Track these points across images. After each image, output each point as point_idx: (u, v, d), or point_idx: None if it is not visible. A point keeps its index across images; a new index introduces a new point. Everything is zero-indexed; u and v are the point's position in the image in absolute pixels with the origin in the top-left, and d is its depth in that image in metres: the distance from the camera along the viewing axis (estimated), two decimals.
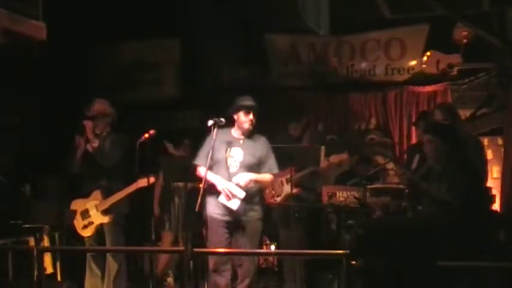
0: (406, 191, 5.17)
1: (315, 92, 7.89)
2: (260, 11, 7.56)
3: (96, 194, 5.44)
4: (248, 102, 4.98)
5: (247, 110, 4.94)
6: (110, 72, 8.35)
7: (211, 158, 4.89)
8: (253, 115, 4.95)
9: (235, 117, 4.99)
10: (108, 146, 5.49)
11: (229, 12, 7.19)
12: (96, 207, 5.41)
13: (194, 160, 5.08)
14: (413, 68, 7.55)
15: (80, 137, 5.51)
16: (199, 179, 5.01)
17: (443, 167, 4.72)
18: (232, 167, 4.90)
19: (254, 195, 4.97)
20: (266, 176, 5.00)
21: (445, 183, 4.63)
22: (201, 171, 4.98)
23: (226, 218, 4.90)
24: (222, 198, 4.84)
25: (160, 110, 8.05)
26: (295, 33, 7.75)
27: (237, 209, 4.83)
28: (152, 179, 5.36)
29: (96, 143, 5.51)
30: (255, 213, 4.97)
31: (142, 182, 5.32)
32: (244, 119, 4.94)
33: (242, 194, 4.81)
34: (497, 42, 6.10)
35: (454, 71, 7.30)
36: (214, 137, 4.86)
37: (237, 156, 4.93)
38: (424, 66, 7.42)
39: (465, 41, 7.10)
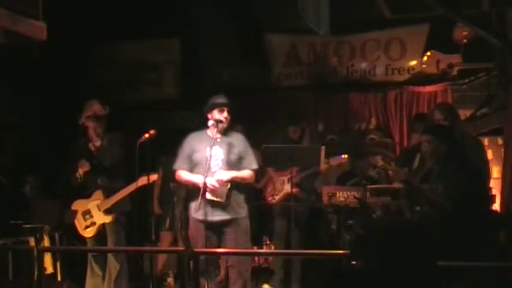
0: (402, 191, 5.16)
1: (315, 92, 7.88)
2: (260, 11, 7.57)
3: (98, 194, 5.44)
4: (221, 99, 4.98)
5: (221, 107, 4.94)
6: (110, 72, 8.35)
7: (192, 161, 4.91)
8: (227, 112, 4.94)
9: (210, 116, 4.97)
10: (106, 145, 5.51)
11: (229, 12, 7.18)
12: (98, 207, 5.41)
13: (173, 166, 5.06)
14: (413, 68, 7.55)
15: (83, 138, 5.53)
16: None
17: (441, 167, 4.72)
18: (214, 167, 4.85)
19: (238, 192, 4.93)
20: (245, 173, 4.96)
21: (441, 184, 4.63)
22: (181, 174, 4.98)
23: (211, 219, 4.82)
24: (208, 195, 4.78)
25: (160, 110, 8.05)
26: (295, 33, 7.75)
27: (225, 202, 4.80)
28: (153, 177, 5.35)
29: (98, 142, 5.52)
30: (242, 211, 4.93)
31: (143, 180, 5.31)
32: (218, 117, 4.93)
33: (227, 185, 4.79)
34: (497, 42, 6.09)
35: (454, 71, 7.30)
36: (214, 137, 4.86)
37: (217, 155, 4.88)
38: (424, 66, 7.42)
39: (465, 41, 7.10)
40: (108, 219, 5.39)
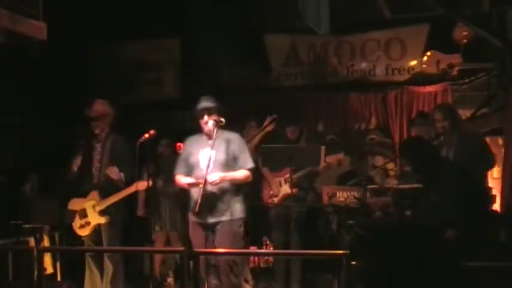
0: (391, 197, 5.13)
1: (315, 92, 7.88)
2: (260, 11, 7.56)
3: (94, 194, 5.42)
4: (203, 104, 4.93)
5: (200, 113, 4.92)
6: (110, 72, 8.35)
7: (188, 164, 4.92)
8: (216, 114, 4.88)
9: (200, 119, 4.95)
10: (108, 147, 5.50)
11: (229, 12, 7.18)
12: (94, 207, 5.40)
13: (174, 171, 5.06)
14: (413, 68, 7.55)
15: (83, 139, 5.52)
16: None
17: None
18: (205, 168, 4.78)
19: (231, 194, 4.89)
20: (240, 173, 4.91)
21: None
22: (178, 179, 4.99)
23: (203, 221, 4.83)
24: (195, 195, 4.78)
25: (160, 110, 8.06)
26: (295, 33, 7.75)
27: (210, 192, 4.74)
28: (142, 184, 5.32)
29: (100, 142, 5.51)
30: (236, 212, 4.87)
31: (141, 185, 5.30)
32: (206, 120, 4.90)
33: (213, 178, 4.73)
34: (497, 42, 6.10)
35: (454, 71, 7.30)
36: (214, 137, 4.85)
37: (209, 157, 4.84)
38: (424, 66, 7.43)
39: (465, 41, 7.10)
40: (102, 220, 5.36)
